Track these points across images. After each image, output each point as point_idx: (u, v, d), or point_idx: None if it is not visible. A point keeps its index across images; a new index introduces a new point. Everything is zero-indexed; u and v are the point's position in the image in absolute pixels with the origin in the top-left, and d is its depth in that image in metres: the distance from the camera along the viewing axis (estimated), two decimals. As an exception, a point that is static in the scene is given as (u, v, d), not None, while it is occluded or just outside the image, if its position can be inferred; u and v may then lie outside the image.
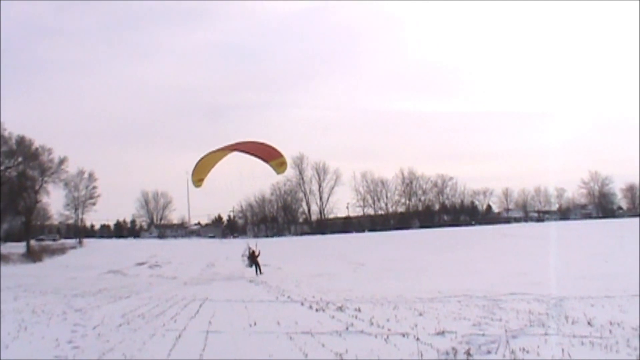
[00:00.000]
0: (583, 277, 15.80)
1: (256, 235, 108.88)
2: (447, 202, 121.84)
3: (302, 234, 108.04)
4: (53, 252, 58.46)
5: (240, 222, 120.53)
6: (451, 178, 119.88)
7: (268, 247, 55.37)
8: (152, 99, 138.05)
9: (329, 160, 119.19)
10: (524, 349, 7.49)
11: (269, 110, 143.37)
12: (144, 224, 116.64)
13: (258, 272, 30.49)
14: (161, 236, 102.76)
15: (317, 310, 12.53)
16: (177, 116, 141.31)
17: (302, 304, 13.79)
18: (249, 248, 31.69)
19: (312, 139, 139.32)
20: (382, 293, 14.73)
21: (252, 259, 31.19)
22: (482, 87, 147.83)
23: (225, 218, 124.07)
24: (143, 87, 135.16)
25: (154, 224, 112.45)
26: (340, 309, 12.39)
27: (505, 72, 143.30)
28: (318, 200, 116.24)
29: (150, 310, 14.06)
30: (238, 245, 67.42)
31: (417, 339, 8.56)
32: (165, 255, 45.43)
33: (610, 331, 8.37)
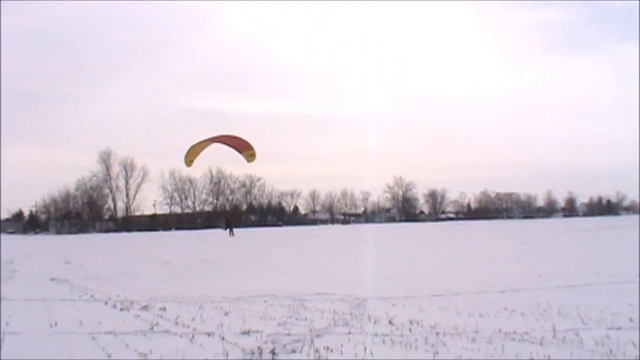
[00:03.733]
0: (386, 279, 16.59)
1: (59, 232, 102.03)
2: (254, 202, 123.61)
3: (108, 231, 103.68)
4: None
5: (43, 217, 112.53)
6: (259, 179, 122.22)
7: (70, 244, 52.24)
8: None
9: (136, 156, 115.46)
10: (328, 348, 7.70)
11: (77, 101, 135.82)
12: None
13: (231, 233, 43.82)
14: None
15: (121, 309, 12.09)
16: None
17: (106, 303, 13.21)
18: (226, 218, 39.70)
19: (120, 135, 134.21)
20: (187, 292, 14.53)
21: (227, 223, 42.02)
22: (290, 89, 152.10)
23: (26, 213, 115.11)
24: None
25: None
26: (145, 308, 12.06)
27: (315, 75, 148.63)
28: (124, 197, 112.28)
29: (-62, 311, 12.62)
30: (40, 242, 62.75)
31: (223, 338, 8.55)
32: (-43, 251, 40.83)
33: (410, 329, 8.81)
